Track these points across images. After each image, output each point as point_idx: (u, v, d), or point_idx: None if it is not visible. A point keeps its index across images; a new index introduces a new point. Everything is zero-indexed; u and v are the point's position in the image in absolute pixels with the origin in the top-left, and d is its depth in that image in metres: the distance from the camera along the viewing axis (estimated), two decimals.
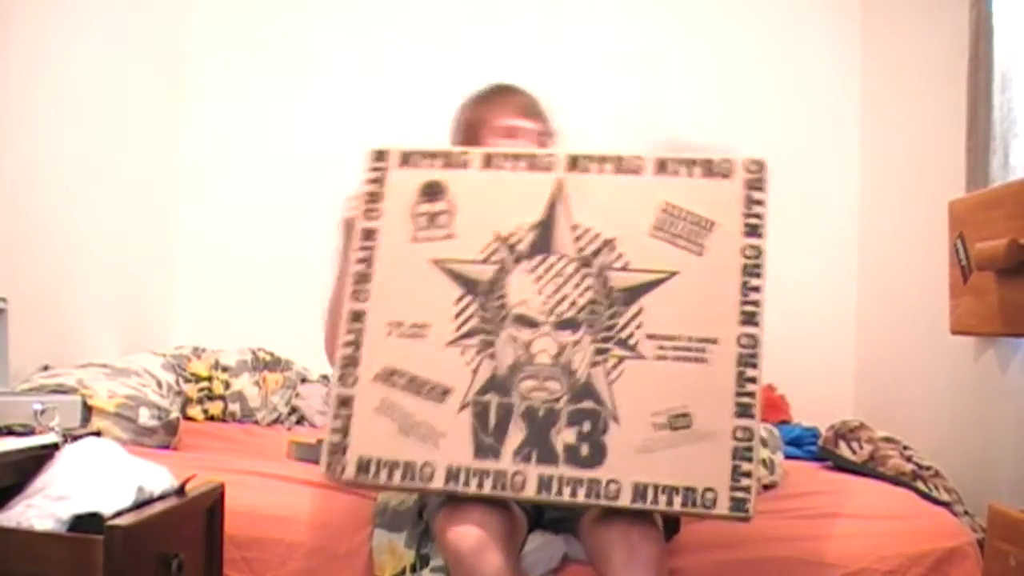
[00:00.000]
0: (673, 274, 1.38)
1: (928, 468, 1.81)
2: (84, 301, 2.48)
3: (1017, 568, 1.22)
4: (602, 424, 1.33)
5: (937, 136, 2.20)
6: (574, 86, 2.76)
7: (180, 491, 1.43)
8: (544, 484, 1.32)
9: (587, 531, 1.46)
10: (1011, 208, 1.50)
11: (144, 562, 1.28)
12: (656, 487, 1.30)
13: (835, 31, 2.82)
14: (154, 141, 2.90)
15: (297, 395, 2.77)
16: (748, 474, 1.29)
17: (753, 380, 1.32)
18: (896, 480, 1.82)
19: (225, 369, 2.66)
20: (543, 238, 1.41)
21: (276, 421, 2.67)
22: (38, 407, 1.52)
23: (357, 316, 1.41)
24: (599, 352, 1.36)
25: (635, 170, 1.43)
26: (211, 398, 2.60)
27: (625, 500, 1.30)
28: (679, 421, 1.33)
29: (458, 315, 1.39)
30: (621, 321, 1.36)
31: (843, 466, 1.99)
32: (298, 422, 2.71)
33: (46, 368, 2.18)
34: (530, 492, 1.32)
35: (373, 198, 1.45)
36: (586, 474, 1.31)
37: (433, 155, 1.45)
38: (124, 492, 1.32)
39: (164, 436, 2.07)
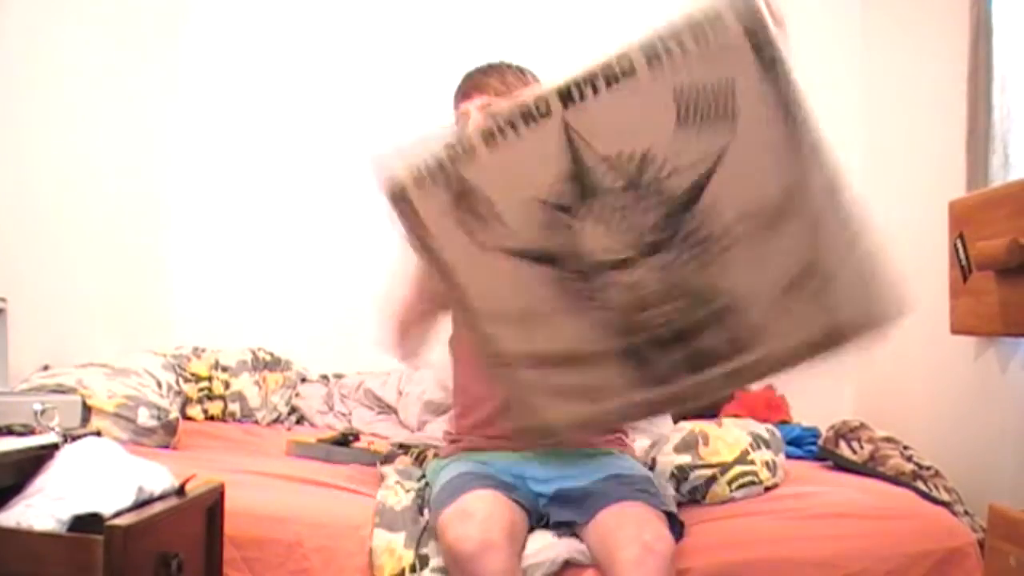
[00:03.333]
0: (722, 153, 1.27)
1: (928, 468, 1.81)
2: (84, 301, 2.48)
3: (1017, 568, 1.22)
4: (737, 315, 1.32)
5: (937, 136, 2.20)
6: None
7: (180, 491, 1.42)
8: (723, 382, 1.35)
9: (596, 531, 1.47)
10: (1011, 208, 1.49)
11: (144, 562, 1.27)
12: (804, 344, 1.32)
13: (835, 31, 2.82)
14: (153, 141, 2.90)
15: (297, 395, 2.77)
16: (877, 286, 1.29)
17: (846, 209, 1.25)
18: (896, 480, 1.81)
19: (225, 369, 2.66)
20: (583, 183, 1.31)
21: (276, 421, 2.67)
22: (38, 407, 1.51)
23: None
24: (699, 256, 1.31)
25: (628, 72, 1.27)
26: (211, 398, 2.60)
27: (779, 368, 1.35)
28: (805, 277, 1.30)
29: (557, 290, 1.33)
30: (703, 218, 1.29)
31: (843, 466, 1.99)
32: (298, 422, 2.71)
33: (46, 368, 2.18)
34: (721, 390, 1.42)
35: (419, 236, 1.34)
36: (746, 359, 1.33)
37: (440, 166, 1.32)
38: (124, 492, 1.32)
39: (164, 436, 2.07)
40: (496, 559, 1.35)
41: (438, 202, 1.32)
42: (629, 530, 1.39)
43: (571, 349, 1.39)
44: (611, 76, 1.28)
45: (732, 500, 1.73)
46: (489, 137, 1.32)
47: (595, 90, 1.29)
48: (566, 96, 1.29)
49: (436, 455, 1.82)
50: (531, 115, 1.31)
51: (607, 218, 1.32)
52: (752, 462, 1.78)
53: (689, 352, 1.36)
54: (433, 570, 1.50)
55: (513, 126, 1.31)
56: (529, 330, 1.39)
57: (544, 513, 1.57)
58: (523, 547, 1.48)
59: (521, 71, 1.69)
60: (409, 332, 1.64)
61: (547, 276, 1.34)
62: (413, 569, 1.50)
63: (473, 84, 1.66)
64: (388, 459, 1.97)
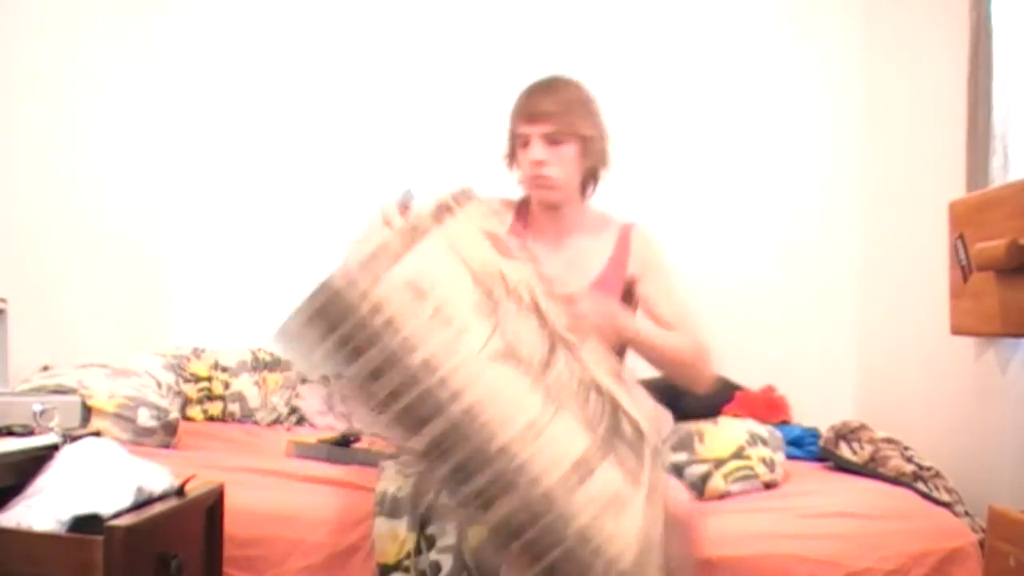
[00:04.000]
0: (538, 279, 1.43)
1: (928, 469, 1.81)
2: (84, 301, 2.48)
3: (1017, 568, 1.22)
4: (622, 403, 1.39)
5: (937, 136, 2.20)
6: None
7: (180, 491, 1.42)
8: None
9: None
10: (1011, 208, 1.49)
11: (144, 562, 1.27)
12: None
13: (837, 31, 2.82)
14: (153, 141, 2.90)
15: (297, 395, 2.76)
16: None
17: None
18: (897, 480, 1.81)
19: (225, 369, 2.66)
20: (483, 294, 1.34)
21: (276, 421, 2.67)
22: (38, 408, 1.52)
23: None
24: (574, 358, 1.39)
25: (448, 208, 1.37)
26: (211, 398, 2.60)
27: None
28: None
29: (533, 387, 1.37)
30: (556, 327, 1.40)
31: (844, 466, 1.99)
32: (298, 422, 2.70)
33: (46, 368, 2.18)
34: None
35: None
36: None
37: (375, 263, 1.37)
38: (123, 492, 1.32)
39: (164, 436, 2.07)
40: None
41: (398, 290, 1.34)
42: None
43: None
44: (445, 208, 1.35)
45: (729, 494, 1.73)
46: (407, 246, 1.30)
47: (449, 214, 1.35)
48: (438, 215, 1.34)
49: None
50: (416, 232, 1.32)
51: (511, 323, 1.35)
52: (748, 457, 1.79)
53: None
54: (440, 550, 1.49)
55: (413, 240, 1.32)
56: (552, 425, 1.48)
57: None
58: None
59: (579, 87, 1.70)
60: None
61: (517, 372, 1.38)
62: (418, 551, 1.50)
63: (535, 108, 1.66)
64: (394, 456, 1.97)
